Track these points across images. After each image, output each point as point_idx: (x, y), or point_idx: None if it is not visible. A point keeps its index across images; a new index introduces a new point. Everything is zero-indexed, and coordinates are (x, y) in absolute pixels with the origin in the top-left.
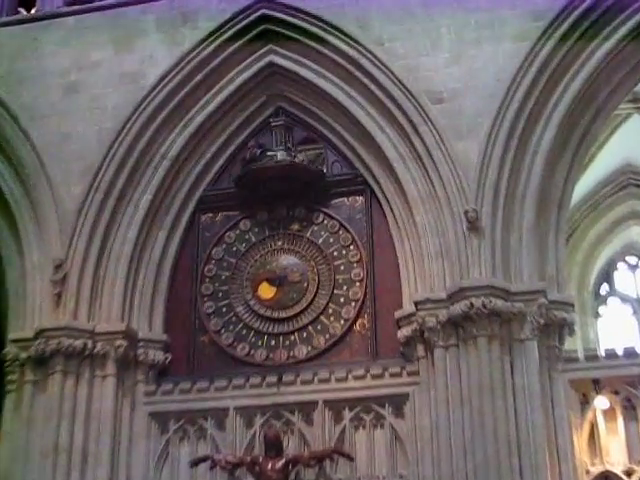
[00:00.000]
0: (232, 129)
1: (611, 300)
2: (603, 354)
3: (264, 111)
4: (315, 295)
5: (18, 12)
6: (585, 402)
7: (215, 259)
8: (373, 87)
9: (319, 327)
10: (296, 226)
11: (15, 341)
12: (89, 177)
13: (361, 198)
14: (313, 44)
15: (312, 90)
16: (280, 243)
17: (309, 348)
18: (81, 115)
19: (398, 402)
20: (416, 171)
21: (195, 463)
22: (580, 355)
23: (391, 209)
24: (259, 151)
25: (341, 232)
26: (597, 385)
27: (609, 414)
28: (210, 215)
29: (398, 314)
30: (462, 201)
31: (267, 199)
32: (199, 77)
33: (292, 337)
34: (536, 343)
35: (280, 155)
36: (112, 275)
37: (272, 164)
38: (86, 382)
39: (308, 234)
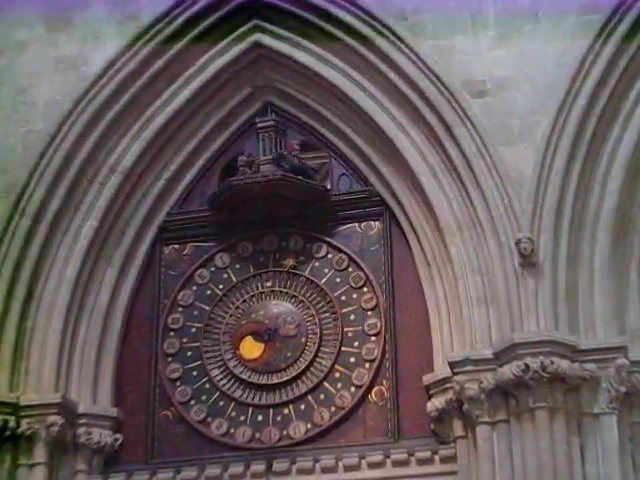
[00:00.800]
0: (205, 133)
1: None
2: None
3: (247, 108)
4: (316, 354)
5: None
6: None
7: (182, 306)
8: (392, 75)
9: (322, 397)
10: (291, 261)
11: None
12: (12, 197)
13: (377, 224)
14: (313, 19)
15: (311, 80)
16: (269, 284)
17: (309, 425)
18: (2, 114)
19: None
20: (451, 188)
21: None
22: None
23: (418, 239)
24: (244, 160)
25: (351, 269)
26: None
27: None
28: (176, 247)
29: (428, 379)
30: (513, 228)
31: (252, 226)
32: (160, 63)
33: (286, 410)
34: (615, 418)
35: (269, 167)
36: (43, 328)
37: (259, 179)
38: (7, 472)
39: (307, 272)
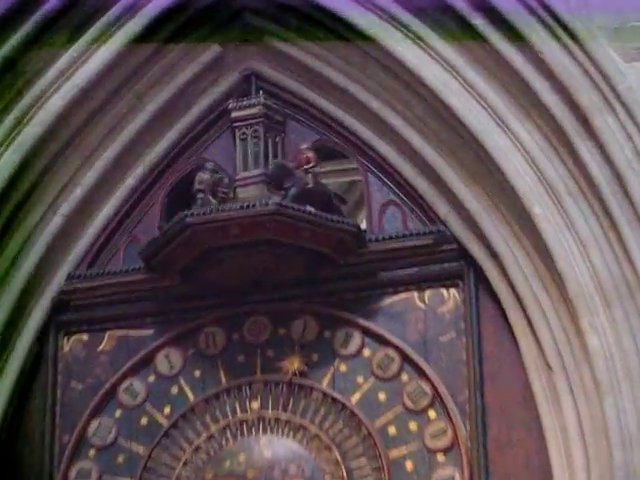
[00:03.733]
0: (135, 129)
1: None
2: None
3: (215, 83)
4: None
5: None
6: None
7: (97, 447)
8: (478, 21)
9: None
10: (296, 363)
11: None
12: None
13: (454, 293)
14: None
15: (330, 29)
16: (256, 406)
17: None
18: None
19: None
20: (588, 226)
21: None
22: None
23: (528, 321)
24: (208, 179)
25: (406, 378)
26: None
27: None
28: (83, 339)
29: None
30: None
31: (225, 298)
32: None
33: None
34: None
35: (255, 190)
36: None
37: (236, 213)
38: None
39: (325, 383)
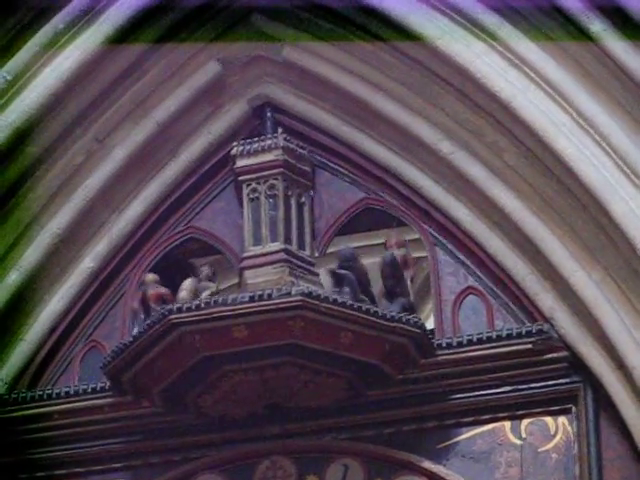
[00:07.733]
0: (99, 184)
1: None
2: None
3: (216, 116)
4: None
5: None
6: None
7: None
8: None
9: None
10: None
11: None
12: None
13: (564, 422)
14: None
15: (374, 39)
16: None
17: None
18: None
19: None
20: None
21: None
22: None
23: None
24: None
25: None
26: None
27: None
28: None
29: None
30: None
31: (225, 431)
32: None
33: None
34: None
35: (267, 274)
36: None
37: (242, 308)
38: None
39: None
